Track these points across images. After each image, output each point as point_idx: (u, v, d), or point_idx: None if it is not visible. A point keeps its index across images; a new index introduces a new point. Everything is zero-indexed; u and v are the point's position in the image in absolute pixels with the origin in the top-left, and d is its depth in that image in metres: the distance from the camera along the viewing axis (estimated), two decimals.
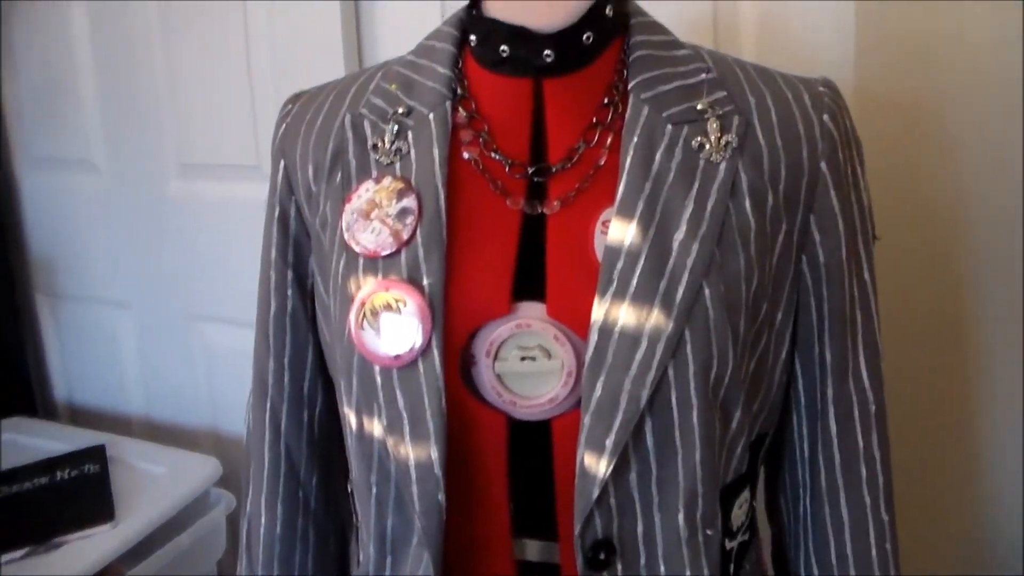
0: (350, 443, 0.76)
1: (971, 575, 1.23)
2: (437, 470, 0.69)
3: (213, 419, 1.69)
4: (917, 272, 1.18)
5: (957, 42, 1.09)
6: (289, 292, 0.83)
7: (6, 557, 1.26)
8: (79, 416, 1.89)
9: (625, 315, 0.67)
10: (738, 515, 0.78)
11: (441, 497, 0.69)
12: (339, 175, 0.77)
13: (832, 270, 0.75)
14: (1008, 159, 1.10)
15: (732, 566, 0.78)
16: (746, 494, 0.79)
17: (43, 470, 1.49)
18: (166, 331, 1.71)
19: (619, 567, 0.71)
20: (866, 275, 0.77)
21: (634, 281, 0.67)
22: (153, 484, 1.44)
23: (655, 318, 0.67)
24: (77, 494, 1.42)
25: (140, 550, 1.32)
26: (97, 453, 1.52)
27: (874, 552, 0.79)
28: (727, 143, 0.71)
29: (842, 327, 0.76)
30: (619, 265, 0.68)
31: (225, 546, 1.46)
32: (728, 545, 0.77)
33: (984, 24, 1.07)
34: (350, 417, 0.74)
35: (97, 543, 1.29)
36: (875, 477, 0.79)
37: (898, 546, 0.81)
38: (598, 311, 0.67)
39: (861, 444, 0.78)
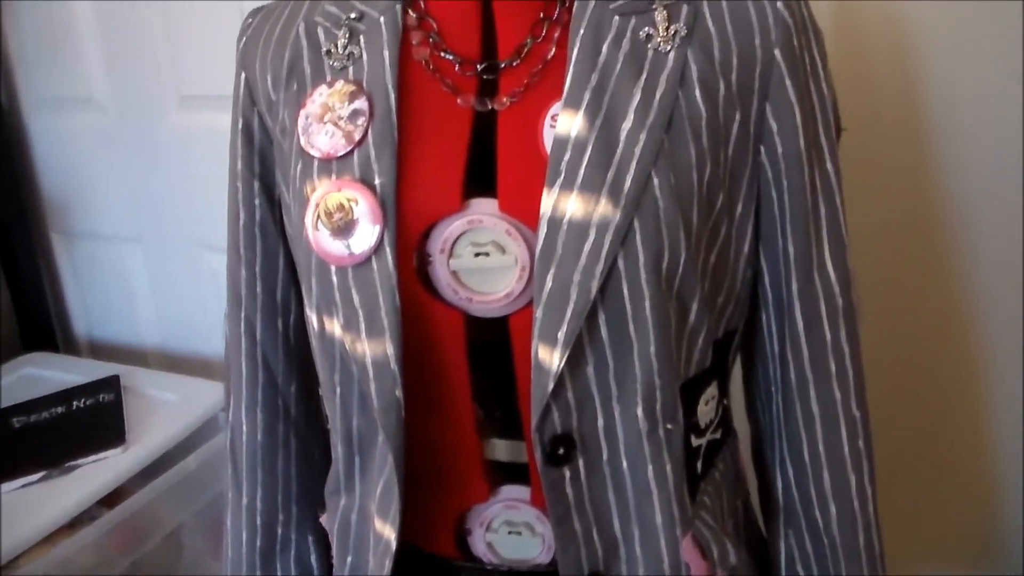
0: (314, 344, 0.78)
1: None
2: (393, 366, 0.70)
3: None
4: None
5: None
6: (257, 202, 0.84)
7: (24, 480, 1.31)
8: (98, 350, 1.94)
9: (573, 206, 0.67)
10: (705, 412, 0.78)
11: (399, 393, 0.71)
12: (295, 83, 0.78)
13: (791, 160, 0.73)
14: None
15: (700, 464, 0.79)
16: (712, 391, 0.79)
17: (60, 400, 1.53)
18: (175, 262, 1.74)
19: (580, 462, 0.72)
20: (829, 166, 0.76)
21: (581, 171, 0.67)
22: (164, 410, 1.48)
23: (603, 208, 0.67)
24: (91, 421, 1.46)
25: (151, 473, 1.36)
26: (112, 383, 1.56)
27: (847, 449, 0.79)
28: (675, 32, 0.70)
29: (804, 219, 0.75)
30: (566, 156, 0.68)
31: None
32: (695, 442, 0.78)
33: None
34: (312, 318, 0.76)
35: (109, 466, 1.34)
36: (844, 371, 0.78)
37: (872, 444, 0.81)
38: (546, 203, 0.67)
39: (829, 338, 0.77)
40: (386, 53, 0.73)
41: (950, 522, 1.24)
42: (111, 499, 1.32)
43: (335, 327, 0.73)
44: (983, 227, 1.13)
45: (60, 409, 1.51)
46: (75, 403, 1.52)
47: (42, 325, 1.92)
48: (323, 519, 0.88)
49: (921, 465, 1.23)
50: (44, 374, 1.69)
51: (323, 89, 0.75)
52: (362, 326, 0.71)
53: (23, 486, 1.31)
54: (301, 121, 0.75)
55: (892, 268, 1.17)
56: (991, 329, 1.16)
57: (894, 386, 1.19)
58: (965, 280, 1.15)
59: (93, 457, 1.35)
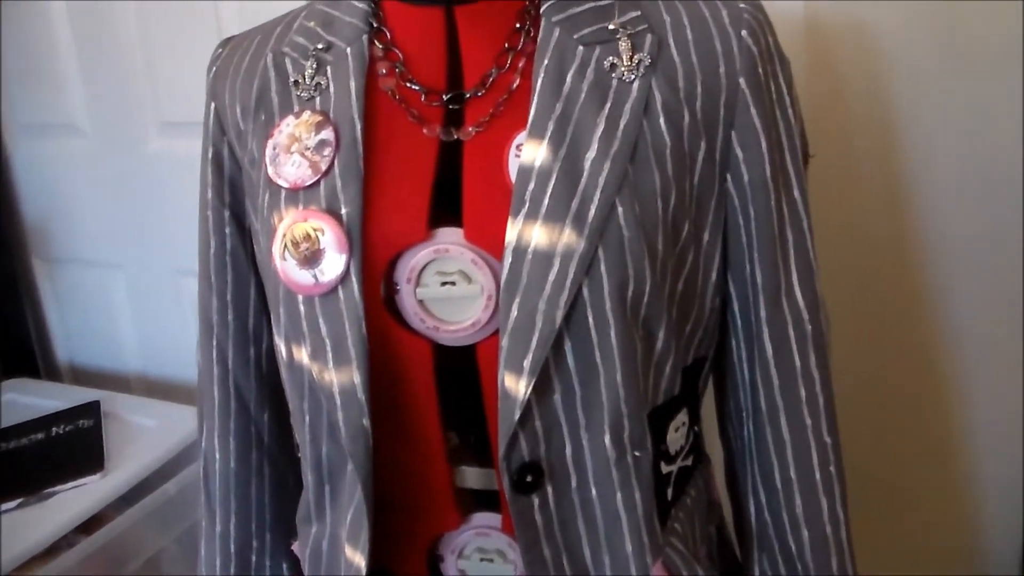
0: (284, 373, 0.78)
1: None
2: (360, 395, 0.70)
3: None
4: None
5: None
6: (227, 231, 0.85)
7: (1, 507, 1.30)
8: (81, 376, 1.93)
9: (538, 236, 0.67)
10: (675, 439, 0.78)
11: (366, 422, 0.71)
12: (263, 113, 0.78)
13: (757, 188, 0.74)
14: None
15: (671, 490, 0.79)
16: (682, 417, 0.79)
17: (40, 426, 1.53)
18: (156, 288, 1.74)
19: (549, 490, 0.72)
20: (796, 193, 0.76)
21: (545, 201, 0.68)
22: (143, 436, 1.48)
23: (567, 237, 0.67)
24: (71, 448, 1.46)
25: (130, 498, 1.36)
26: (91, 409, 1.56)
27: (818, 475, 0.79)
28: (639, 62, 0.71)
29: (771, 246, 0.75)
30: (531, 186, 0.68)
31: None
32: (665, 469, 0.78)
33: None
34: (281, 347, 0.76)
35: (87, 492, 1.34)
36: (815, 398, 0.78)
37: (843, 470, 0.81)
38: (511, 233, 0.68)
39: (799, 365, 0.77)
40: (352, 84, 0.74)
41: (949, 522, 1.25)
42: (89, 525, 1.31)
43: (303, 356, 0.73)
44: (960, 239, 1.14)
45: (39, 435, 1.50)
46: (54, 429, 1.51)
47: (23, 351, 1.91)
48: (295, 546, 0.88)
49: (917, 466, 1.23)
50: (25, 400, 1.68)
51: (290, 119, 0.75)
52: (329, 355, 0.71)
53: (0, 513, 1.30)
54: (269, 151, 0.75)
55: (868, 283, 1.18)
56: (978, 333, 1.17)
57: (888, 391, 1.20)
58: (943, 291, 1.16)
59: (72, 483, 1.35)
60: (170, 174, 1.63)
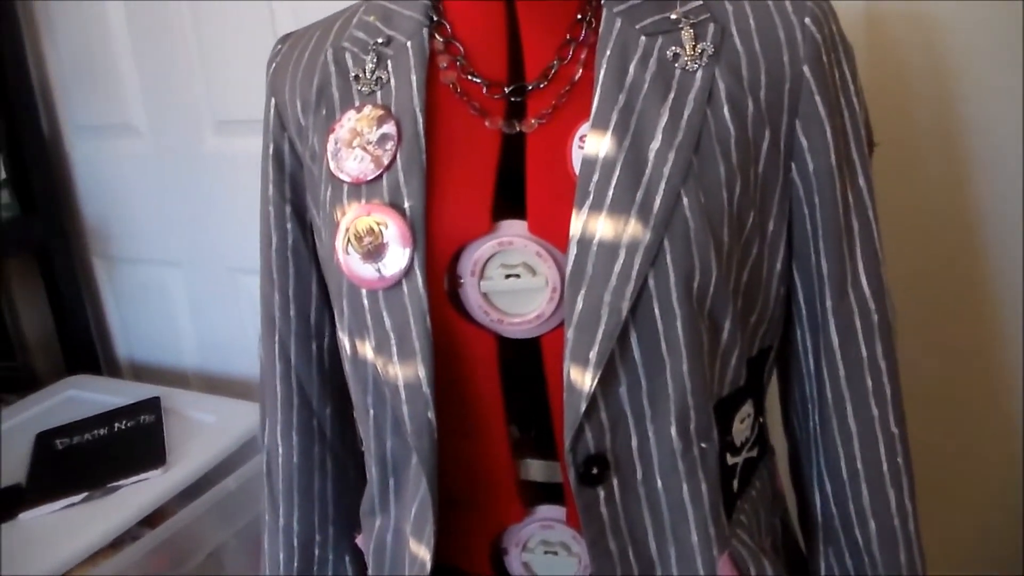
0: (347, 368, 0.78)
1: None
2: (425, 388, 0.70)
3: None
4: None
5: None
6: (289, 226, 0.85)
7: (67, 501, 1.33)
8: (140, 372, 1.97)
9: (603, 227, 0.67)
10: (740, 430, 0.78)
11: (431, 416, 0.71)
12: (324, 108, 0.78)
13: (822, 177, 0.73)
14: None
15: (736, 482, 0.78)
16: (748, 408, 0.78)
17: (102, 422, 1.56)
18: (214, 285, 1.76)
19: (614, 482, 0.72)
20: (861, 182, 0.75)
21: (610, 192, 0.67)
22: (203, 432, 1.50)
23: (632, 228, 0.66)
24: (133, 443, 1.48)
25: (191, 493, 1.38)
26: (152, 405, 1.58)
27: (885, 466, 0.78)
28: (702, 51, 0.70)
29: (837, 236, 0.74)
30: (595, 177, 0.68)
31: None
32: (731, 460, 0.77)
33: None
34: (344, 341, 0.76)
35: (149, 487, 1.36)
36: (882, 388, 0.77)
37: (911, 462, 0.80)
38: (576, 225, 0.67)
39: (865, 355, 0.76)
40: (413, 77, 0.74)
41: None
42: (152, 519, 1.34)
43: (367, 350, 0.73)
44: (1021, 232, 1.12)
45: (102, 431, 1.53)
46: (117, 425, 1.54)
47: (84, 348, 1.95)
48: (359, 539, 0.89)
49: (978, 459, 1.21)
50: (87, 396, 1.71)
51: (351, 114, 0.75)
52: (394, 349, 0.71)
53: (66, 507, 1.33)
54: (330, 146, 0.76)
55: (929, 276, 1.16)
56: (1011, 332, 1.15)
57: (951, 381, 1.19)
58: (1004, 287, 1.14)
59: (135, 478, 1.37)
60: (226, 172, 1.65)
